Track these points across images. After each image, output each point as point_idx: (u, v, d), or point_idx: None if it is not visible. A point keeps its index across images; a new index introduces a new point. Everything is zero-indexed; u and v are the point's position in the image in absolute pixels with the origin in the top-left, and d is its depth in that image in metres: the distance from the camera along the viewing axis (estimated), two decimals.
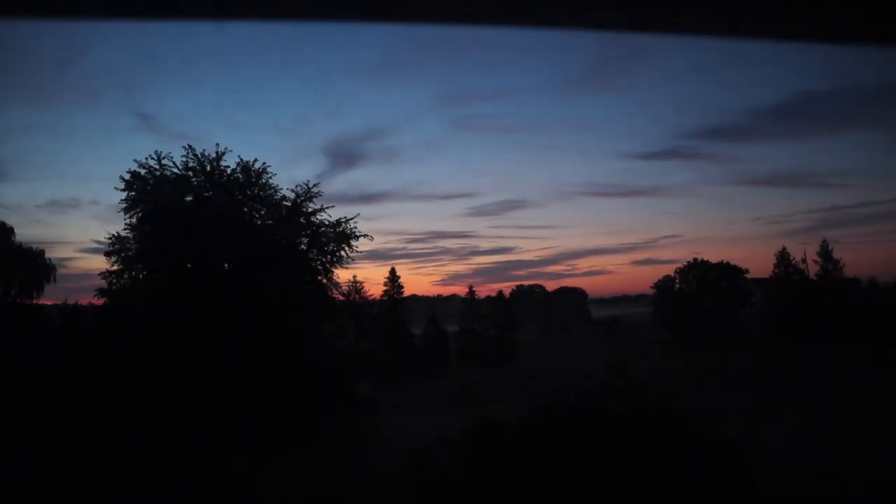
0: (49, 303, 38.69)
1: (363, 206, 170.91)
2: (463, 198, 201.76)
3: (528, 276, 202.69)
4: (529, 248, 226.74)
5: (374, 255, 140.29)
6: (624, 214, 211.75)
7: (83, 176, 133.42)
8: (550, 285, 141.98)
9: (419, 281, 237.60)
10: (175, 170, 31.62)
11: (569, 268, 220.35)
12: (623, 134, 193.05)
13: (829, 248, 66.26)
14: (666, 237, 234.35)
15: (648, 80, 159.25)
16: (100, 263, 32.28)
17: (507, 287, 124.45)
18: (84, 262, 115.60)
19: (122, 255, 31.54)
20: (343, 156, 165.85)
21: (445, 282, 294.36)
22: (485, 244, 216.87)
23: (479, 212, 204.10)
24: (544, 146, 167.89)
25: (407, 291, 67.18)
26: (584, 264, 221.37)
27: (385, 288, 64.26)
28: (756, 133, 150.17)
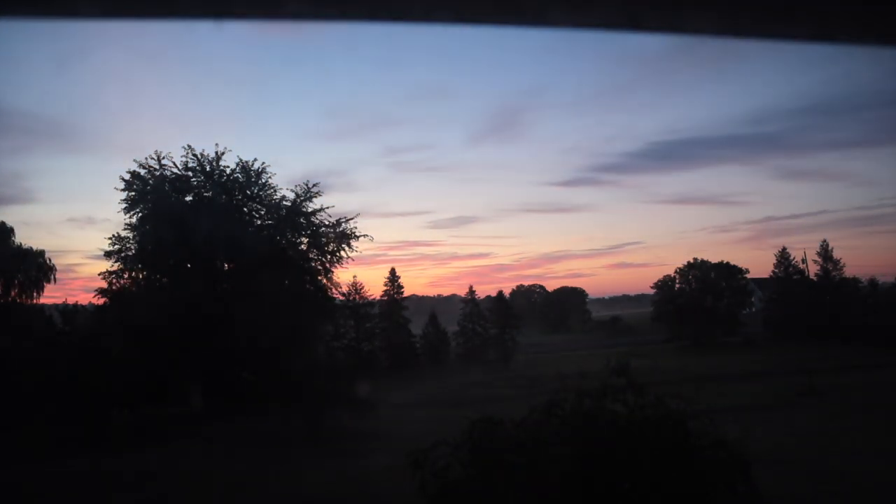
0: (49, 302, 38.73)
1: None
2: (420, 214, 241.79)
3: (511, 278, 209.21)
4: (503, 253, 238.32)
5: (359, 260, 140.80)
6: (571, 226, 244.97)
7: (98, 200, 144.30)
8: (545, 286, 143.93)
9: (410, 283, 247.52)
10: (175, 170, 31.65)
11: (547, 271, 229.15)
12: (528, 171, 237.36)
13: (829, 248, 66.20)
14: (630, 243, 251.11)
15: (532, 136, 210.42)
16: (104, 266, 32.38)
17: (496, 289, 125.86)
18: (91, 267, 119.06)
19: (123, 255, 31.57)
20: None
21: (434, 284, 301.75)
22: (461, 251, 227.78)
23: (438, 225, 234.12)
24: (466, 179, 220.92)
25: (406, 292, 67.13)
26: (560, 268, 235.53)
27: (385, 288, 64.26)
28: (633, 168, 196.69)
